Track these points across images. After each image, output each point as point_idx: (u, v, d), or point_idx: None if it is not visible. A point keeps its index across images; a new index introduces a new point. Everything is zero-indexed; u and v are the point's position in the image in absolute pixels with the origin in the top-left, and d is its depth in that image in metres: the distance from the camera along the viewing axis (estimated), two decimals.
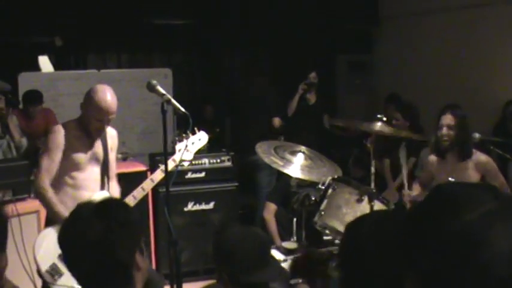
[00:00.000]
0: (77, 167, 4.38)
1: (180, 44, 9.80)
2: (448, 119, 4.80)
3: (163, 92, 3.92)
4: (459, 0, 8.69)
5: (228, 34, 9.73)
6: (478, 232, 1.14)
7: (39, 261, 4.08)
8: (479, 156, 4.87)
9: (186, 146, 4.48)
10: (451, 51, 8.80)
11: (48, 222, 4.37)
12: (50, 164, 4.30)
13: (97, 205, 2.18)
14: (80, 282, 2.16)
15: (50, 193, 4.27)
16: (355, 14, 10.01)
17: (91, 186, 4.45)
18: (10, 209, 4.94)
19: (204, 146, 7.54)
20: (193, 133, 4.60)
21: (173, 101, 3.88)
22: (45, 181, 4.28)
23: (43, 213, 5.06)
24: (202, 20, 9.37)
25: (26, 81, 8.14)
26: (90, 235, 2.04)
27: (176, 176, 4.34)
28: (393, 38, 10.00)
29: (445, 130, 4.75)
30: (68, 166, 4.36)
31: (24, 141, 6.65)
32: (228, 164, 6.58)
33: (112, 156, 4.61)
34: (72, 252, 2.10)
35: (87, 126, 4.34)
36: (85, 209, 2.16)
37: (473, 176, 4.78)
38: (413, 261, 1.22)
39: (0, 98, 6.36)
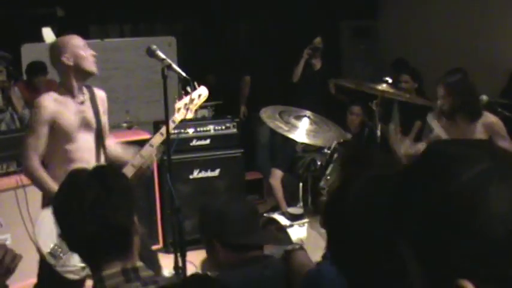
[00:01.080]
0: (67, 137, 4.03)
1: (182, 12, 9.72)
2: (440, 90, 4.85)
3: (163, 56, 3.83)
4: None
5: (231, 1, 9.65)
6: (472, 193, 1.06)
7: (41, 245, 3.93)
8: (488, 117, 4.86)
9: (186, 104, 4.21)
10: (457, 15, 8.69)
11: (45, 204, 4.10)
12: (36, 141, 3.99)
13: (91, 171, 2.16)
14: (80, 252, 2.13)
15: (40, 172, 3.99)
16: None
17: (85, 157, 4.10)
18: (15, 180, 4.96)
19: (210, 114, 7.62)
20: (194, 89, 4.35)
21: (174, 65, 3.79)
22: (33, 159, 3.99)
23: None
24: None
25: (29, 53, 8.10)
26: (88, 198, 2.00)
27: (181, 143, 4.24)
28: (398, 3, 9.89)
29: (439, 102, 4.81)
30: (58, 139, 4.04)
31: (27, 113, 6.62)
32: (233, 130, 6.54)
33: (104, 119, 4.29)
34: (71, 219, 2.04)
35: (82, 69, 3.98)
36: (80, 175, 2.13)
37: (481, 137, 4.71)
38: (404, 226, 1.14)
39: (1, 70, 6.34)
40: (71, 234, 2.08)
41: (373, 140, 5.80)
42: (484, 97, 5.13)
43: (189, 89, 4.08)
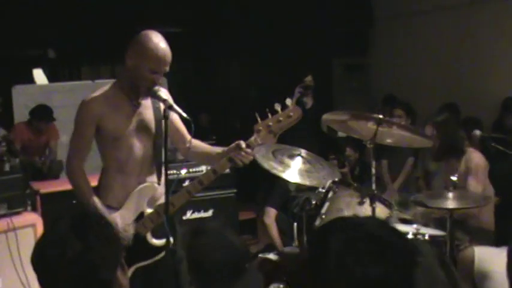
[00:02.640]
0: (118, 143, 3.63)
1: (174, 52, 9.74)
2: (428, 129, 5.02)
3: (165, 97, 3.52)
4: None
5: (223, 42, 9.70)
6: None
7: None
8: (470, 153, 5.07)
9: (269, 125, 3.61)
10: (447, 50, 8.75)
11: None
12: (79, 141, 3.63)
13: (74, 220, 2.05)
14: None
15: (79, 177, 3.64)
16: (349, 16, 9.97)
17: (136, 169, 3.69)
18: (6, 222, 4.89)
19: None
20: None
21: (175, 106, 3.49)
22: (74, 162, 3.65)
23: (39, 226, 4.99)
24: (197, 29, 9.35)
25: (20, 94, 8.10)
26: (68, 254, 1.92)
27: (176, 185, 3.97)
28: (388, 39, 9.95)
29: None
30: (108, 143, 3.65)
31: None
32: (226, 171, 6.49)
33: (174, 117, 3.74)
34: (50, 274, 1.97)
35: (136, 84, 3.58)
36: (61, 226, 2.03)
37: (462, 173, 4.97)
38: None
39: None
40: None
41: (366, 177, 5.81)
42: (478, 132, 5.21)
43: (278, 107, 3.60)
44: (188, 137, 3.90)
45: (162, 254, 3.70)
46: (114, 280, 2.00)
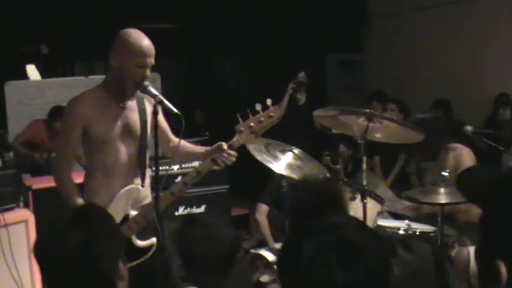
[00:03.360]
0: (104, 146, 3.62)
1: (168, 48, 9.75)
2: None
3: (155, 92, 3.50)
4: None
5: (217, 37, 9.70)
6: None
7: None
8: (458, 149, 5.17)
9: (251, 126, 3.67)
10: (440, 47, 8.77)
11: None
12: (66, 143, 3.63)
13: (75, 213, 2.08)
14: None
15: (64, 179, 3.62)
16: (344, 13, 9.98)
17: (122, 171, 3.68)
18: None
19: None
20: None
21: (165, 101, 3.46)
22: (60, 164, 3.64)
23: (31, 222, 4.98)
24: (190, 24, 9.34)
25: (13, 90, 8.09)
26: (69, 245, 1.93)
27: (166, 180, 3.77)
28: (382, 36, 9.97)
29: None
30: (93, 146, 3.64)
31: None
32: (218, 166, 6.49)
33: (160, 118, 3.72)
34: (51, 265, 1.98)
35: (124, 82, 3.56)
36: (63, 218, 2.04)
37: (450, 169, 4.92)
38: None
39: None
40: (52, 280, 2.01)
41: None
42: (469, 128, 5.25)
43: (258, 107, 3.65)
44: (171, 136, 3.96)
45: (148, 255, 3.72)
46: (116, 271, 2.00)
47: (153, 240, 3.75)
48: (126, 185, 3.72)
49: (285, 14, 9.34)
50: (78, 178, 3.76)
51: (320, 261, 1.50)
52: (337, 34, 10.13)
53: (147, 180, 3.81)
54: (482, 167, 4.17)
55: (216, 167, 3.86)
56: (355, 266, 1.50)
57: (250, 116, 3.68)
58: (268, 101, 3.66)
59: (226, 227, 3.04)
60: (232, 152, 3.72)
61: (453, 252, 4.38)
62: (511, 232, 1.54)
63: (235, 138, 3.71)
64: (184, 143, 3.88)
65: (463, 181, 2.51)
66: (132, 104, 3.71)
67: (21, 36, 8.49)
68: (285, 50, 9.48)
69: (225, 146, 3.70)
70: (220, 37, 9.71)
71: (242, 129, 3.70)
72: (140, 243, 3.70)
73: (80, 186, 3.73)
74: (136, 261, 3.64)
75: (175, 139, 3.96)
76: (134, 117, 3.72)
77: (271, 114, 3.67)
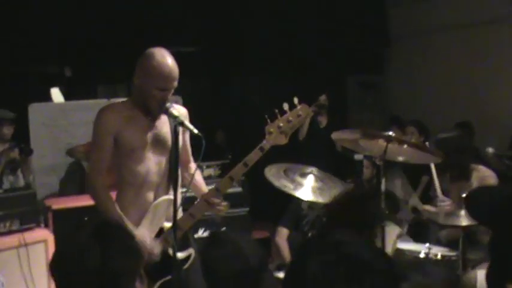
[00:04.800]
0: (134, 155, 3.61)
1: (190, 71, 9.76)
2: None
3: (176, 114, 3.48)
4: (469, 18, 8.62)
5: (238, 59, 9.72)
6: None
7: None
8: (481, 171, 5.05)
9: (280, 126, 3.61)
10: (462, 68, 8.72)
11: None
12: (100, 154, 3.60)
13: (95, 228, 2.04)
14: None
15: (101, 192, 3.61)
16: (366, 34, 9.98)
17: (154, 183, 3.68)
18: (17, 238, 4.90)
19: (216, 172, 7.55)
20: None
21: (187, 122, 3.46)
22: (95, 177, 3.61)
23: (51, 242, 5.00)
24: (212, 47, 9.37)
25: (36, 112, 8.12)
26: (88, 261, 1.90)
27: (186, 202, 3.79)
28: (404, 58, 9.94)
29: None
30: (124, 156, 3.62)
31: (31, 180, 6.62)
32: (238, 189, 6.48)
33: (185, 138, 3.83)
34: (68, 283, 1.95)
35: (146, 103, 3.57)
36: (81, 235, 2.01)
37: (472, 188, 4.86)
38: None
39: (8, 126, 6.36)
40: None
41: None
42: (490, 150, 5.20)
43: (286, 107, 3.61)
44: (191, 160, 3.97)
45: (186, 265, 3.73)
46: None
47: (191, 250, 3.74)
48: (157, 198, 3.71)
49: (306, 34, 9.35)
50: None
51: (325, 280, 1.46)
52: (358, 55, 10.11)
53: (179, 193, 3.69)
54: (491, 187, 4.08)
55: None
56: (361, 283, 1.46)
57: (279, 116, 3.63)
58: (295, 100, 3.62)
59: (252, 245, 2.99)
60: (217, 200, 3.73)
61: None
62: None
63: (265, 140, 3.66)
64: (198, 178, 3.90)
65: (471, 202, 2.37)
66: (164, 116, 3.69)
67: (45, 58, 8.57)
68: (306, 71, 9.48)
69: (209, 196, 3.73)
70: (242, 59, 9.73)
71: (271, 130, 3.65)
72: (177, 254, 3.67)
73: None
74: (174, 274, 3.59)
75: (192, 165, 3.98)
76: (164, 129, 3.71)
77: (300, 113, 3.64)
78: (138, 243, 2.12)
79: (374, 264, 1.50)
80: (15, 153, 6.27)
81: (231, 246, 2.92)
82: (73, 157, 7.31)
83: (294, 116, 3.64)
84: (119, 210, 3.59)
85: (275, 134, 3.65)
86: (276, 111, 3.63)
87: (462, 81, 8.74)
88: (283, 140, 3.68)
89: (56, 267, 1.99)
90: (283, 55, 9.50)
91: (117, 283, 1.92)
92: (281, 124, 3.63)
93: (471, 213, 2.47)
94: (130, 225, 3.55)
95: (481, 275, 3.28)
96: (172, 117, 3.50)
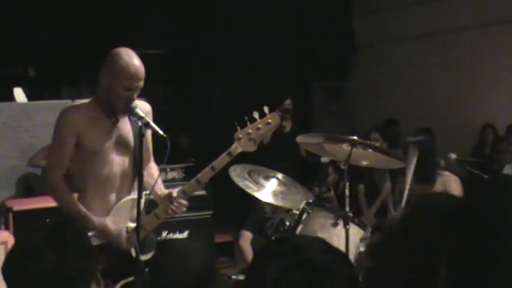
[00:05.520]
0: (97, 158, 3.58)
1: (155, 73, 9.72)
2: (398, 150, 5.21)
3: (142, 114, 3.47)
4: (432, 27, 8.74)
5: (203, 63, 9.71)
6: None
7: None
8: (446, 176, 5.09)
9: (249, 133, 3.67)
10: (426, 76, 8.83)
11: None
12: (60, 152, 3.57)
13: (49, 231, 1.97)
14: None
15: (61, 189, 3.58)
16: (331, 41, 10.04)
17: (117, 184, 3.67)
18: None
19: (180, 175, 7.52)
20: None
21: (152, 123, 3.47)
22: (55, 175, 3.58)
23: (11, 244, 4.91)
24: (176, 50, 9.34)
25: None
26: (43, 266, 1.84)
27: (150, 205, 3.79)
28: (369, 65, 10.03)
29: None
30: (86, 159, 3.59)
31: None
32: (202, 192, 6.45)
33: (147, 137, 3.77)
34: (21, 284, 1.88)
35: (112, 103, 3.54)
36: (36, 237, 1.93)
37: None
38: None
39: None
40: None
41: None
42: (453, 155, 5.26)
43: (256, 115, 3.65)
44: (151, 160, 3.96)
45: (146, 269, 3.67)
46: None
47: (152, 254, 3.73)
48: (120, 198, 3.69)
49: (272, 41, 9.37)
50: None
51: (284, 286, 1.43)
52: (323, 62, 10.18)
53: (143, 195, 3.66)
54: (438, 194, 4.09)
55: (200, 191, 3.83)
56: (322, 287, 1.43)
57: (248, 123, 3.67)
58: (266, 109, 3.68)
59: (200, 253, 2.98)
60: (183, 202, 3.72)
61: None
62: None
63: (233, 146, 3.69)
64: (154, 176, 3.84)
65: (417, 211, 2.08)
66: (124, 116, 3.67)
67: (9, 58, 8.46)
68: (271, 77, 9.50)
69: (175, 194, 3.69)
70: (207, 63, 9.73)
71: (240, 136, 3.69)
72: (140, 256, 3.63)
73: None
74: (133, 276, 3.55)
75: (152, 165, 3.96)
76: (126, 128, 3.69)
77: (269, 121, 3.69)
78: (93, 244, 2.07)
79: (334, 269, 1.47)
80: None
81: (175, 253, 2.92)
82: (35, 166, 7.19)
83: (264, 123, 3.68)
84: (79, 204, 3.58)
85: (244, 141, 3.69)
86: (246, 118, 3.66)
87: (426, 89, 8.85)
88: (252, 147, 3.72)
89: (7, 270, 1.91)
90: (248, 59, 9.51)
91: (72, 286, 1.86)
92: (250, 131, 3.67)
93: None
94: (91, 216, 3.56)
95: None
96: (138, 118, 3.48)
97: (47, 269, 1.83)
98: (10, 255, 1.97)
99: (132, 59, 3.53)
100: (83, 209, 3.57)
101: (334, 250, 1.57)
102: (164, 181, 5.73)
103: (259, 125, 3.67)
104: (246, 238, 5.92)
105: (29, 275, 1.85)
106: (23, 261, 1.87)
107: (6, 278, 1.91)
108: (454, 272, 1.53)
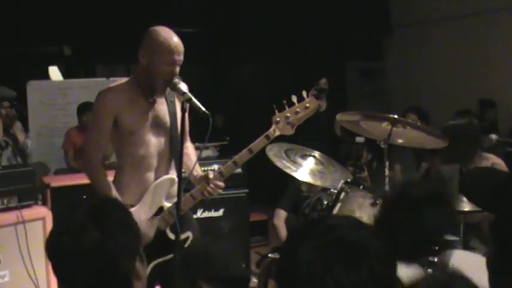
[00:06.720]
0: (134, 138, 3.60)
1: (189, 52, 9.71)
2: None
3: (184, 90, 3.47)
4: (469, 7, 8.61)
5: (238, 43, 9.67)
6: None
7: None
8: (490, 159, 4.89)
9: (287, 116, 3.67)
10: (462, 57, 8.71)
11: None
12: (98, 133, 3.60)
13: (92, 207, 1.94)
14: None
15: (98, 171, 3.61)
16: (367, 21, 9.95)
17: (153, 165, 3.68)
18: (15, 215, 4.87)
19: (215, 154, 7.52)
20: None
21: (194, 99, 3.43)
22: (93, 156, 3.61)
23: (49, 220, 4.96)
24: (212, 29, 9.32)
25: (34, 90, 8.10)
26: (86, 243, 1.81)
27: (186, 183, 3.68)
28: (404, 45, 9.92)
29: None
30: (124, 139, 3.62)
31: (28, 142, 6.58)
32: (238, 170, 6.43)
33: (185, 116, 3.61)
34: (67, 263, 1.86)
35: (153, 81, 3.54)
36: (78, 214, 1.90)
37: None
38: None
39: (5, 106, 6.32)
40: (66, 280, 1.89)
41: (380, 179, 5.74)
42: (494, 136, 5.13)
43: (294, 99, 3.65)
44: (188, 139, 3.95)
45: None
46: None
47: (189, 233, 3.72)
48: (158, 178, 3.70)
49: (306, 21, 9.30)
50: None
51: (320, 266, 1.39)
52: (358, 42, 10.08)
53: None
54: (489, 168, 3.99)
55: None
56: (358, 265, 1.40)
57: (286, 107, 3.66)
58: (304, 93, 3.68)
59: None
60: (219, 183, 3.72)
61: None
62: None
63: (271, 129, 3.69)
64: (192, 156, 3.90)
65: (468, 184, 2.14)
66: (161, 97, 3.70)
67: (44, 37, 8.51)
68: (306, 57, 9.44)
69: (211, 175, 3.69)
70: (242, 43, 9.69)
71: (278, 119, 3.68)
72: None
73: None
74: (170, 255, 3.57)
75: (188, 144, 3.96)
76: (163, 109, 3.71)
77: (307, 105, 3.69)
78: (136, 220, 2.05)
79: (369, 245, 1.45)
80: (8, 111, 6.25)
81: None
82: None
83: (302, 107, 3.69)
84: (113, 189, 3.60)
85: (282, 124, 3.69)
86: (284, 102, 3.66)
87: (462, 70, 8.73)
88: (289, 131, 3.73)
89: (51, 248, 1.90)
90: (283, 41, 9.46)
91: (116, 263, 1.84)
92: (288, 114, 3.68)
93: (469, 197, 2.22)
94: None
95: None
96: (180, 93, 3.48)
97: (91, 246, 1.81)
98: (53, 232, 1.95)
99: (171, 34, 3.56)
100: (117, 196, 3.56)
101: (367, 227, 1.55)
102: (200, 159, 5.78)
103: (298, 109, 3.68)
104: (281, 217, 5.91)
105: (73, 252, 1.83)
106: (67, 239, 1.85)
107: (50, 255, 1.90)
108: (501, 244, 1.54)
